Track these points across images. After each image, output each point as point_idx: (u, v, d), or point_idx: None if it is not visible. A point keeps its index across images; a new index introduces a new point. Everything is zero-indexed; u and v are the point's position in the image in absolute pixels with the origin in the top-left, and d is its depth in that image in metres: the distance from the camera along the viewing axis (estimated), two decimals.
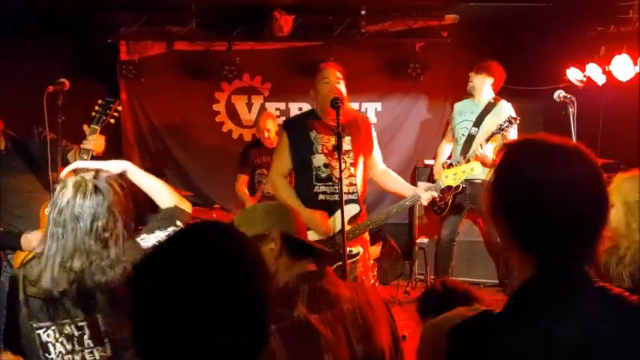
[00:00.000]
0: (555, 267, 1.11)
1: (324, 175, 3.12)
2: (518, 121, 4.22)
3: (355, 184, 3.13)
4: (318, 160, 3.12)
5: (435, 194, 3.17)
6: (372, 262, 4.81)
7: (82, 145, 3.05)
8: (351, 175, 3.14)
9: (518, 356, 1.08)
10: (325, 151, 3.13)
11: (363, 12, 5.24)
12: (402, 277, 5.29)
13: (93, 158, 3.03)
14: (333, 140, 3.07)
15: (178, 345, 0.87)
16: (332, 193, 3.12)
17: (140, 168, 4.34)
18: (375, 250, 5.24)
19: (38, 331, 1.66)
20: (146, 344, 0.90)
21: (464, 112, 4.69)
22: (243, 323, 0.90)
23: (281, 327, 1.44)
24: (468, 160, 4.17)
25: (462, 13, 5.39)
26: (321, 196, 3.09)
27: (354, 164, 3.15)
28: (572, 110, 3.57)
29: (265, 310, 0.94)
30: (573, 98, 3.62)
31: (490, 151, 4.38)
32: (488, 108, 4.57)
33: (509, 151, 1.20)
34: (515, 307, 1.13)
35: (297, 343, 1.46)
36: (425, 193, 3.13)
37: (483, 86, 4.63)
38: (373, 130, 3.38)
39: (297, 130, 3.19)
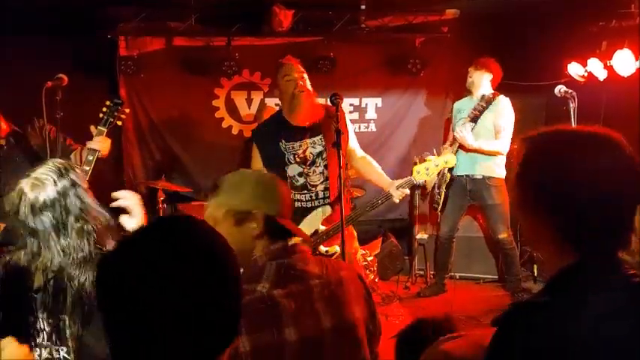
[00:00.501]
0: (596, 255, 1.11)
1: (298, 183, 3.07)
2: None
3: (328, 188, 3.08)
4: (292, 169, 3.07)
5: (406, 191, 3.07)
6: (372, 257, 4.83)
7: (88, 145, 3.06)
8: (326, 179, 3.09)
9: (567, 345, 1.06)
10: (297, 159, 3.06)
11: (363, 7, 5.21)
12: (402, 273, 5.29)
13: (98, 159, 3.06)
14: (304, 145, 3.03)
15: (147, 335, 0.87)
16: (307, 201, 3.09)
17: (139, 163, 4.35)
18: (375, 245, 5.24)
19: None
20: (115, 334, 0.90)
21: (463, 110, 4.69)
22: (214, 312, 0.90)
23: (243, 302, 1.45)
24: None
25: (463, 7, 5.37)
26: (297, 204, 3.05)
27: (328, 165, 3.07)
28: (573, 105, 3.57)
29: (236, 300, 0.95)
30: (574, 93, 3.61)
31: (469, 131, 4.38)
32: (488, 101, 4.57)
33: (539, 141, 1.18)
34: (556, 296, 1.11)
35: (257, 317, 1.45)
36: (396, 191, 3.03)
37: (482, 82, 4.63)
38: (348, 119, 3.22)
39: (266, 142, 3.10)
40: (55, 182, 1.70)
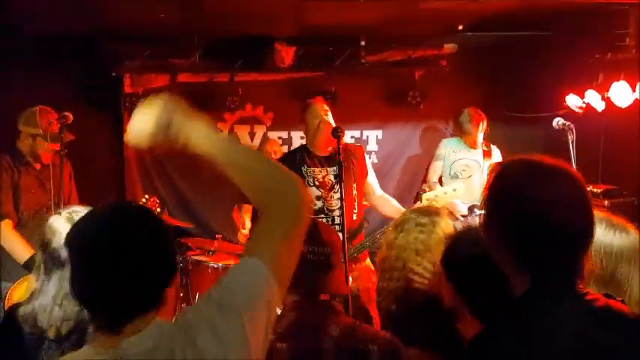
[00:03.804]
0: (549, 282, 1.15)
1: (316, 207, 3.26)
2: None
3: (341, 216, 3.18)
4: (311, 193, 3.27)
5: None
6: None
7: None
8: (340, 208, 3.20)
9: None
10: (317, 183, 3.30)
11: (363, 42, 5.31)
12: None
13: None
14: (324, 172, 3.30)
15: (100, 284, 1.15)
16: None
17: (142, 196, 4.35)
18: None
19: None
20: (78, 285, 1.18)
21: (458, 151, 4.75)
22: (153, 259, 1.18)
23: (290, 347, 1.46)
24: None
25: (461, 42, 5.47)
26: None
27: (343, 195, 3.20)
28: (571, 138, 3.61)
29: (167, 251, 1.21)
30: (572, 125, 3.65)
31: None
32: (488, 154, 4.67)
33: (505, 170, 1.24)
34: (511, 321, 1.16)
35: None
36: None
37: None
38: (367, 157, 3.50)
39: (290, 166, 3.24)
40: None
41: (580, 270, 1.18)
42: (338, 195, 3.20)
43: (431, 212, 1.99)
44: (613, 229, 1.72)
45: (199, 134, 1.34)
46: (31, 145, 3.46)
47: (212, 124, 1.36)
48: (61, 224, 1.77)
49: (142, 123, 1.31)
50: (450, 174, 4.79)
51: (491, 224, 1.22)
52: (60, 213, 1.84)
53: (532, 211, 1.16)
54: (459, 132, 4.84)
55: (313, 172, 3.34)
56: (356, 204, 3.30)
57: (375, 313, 3.26)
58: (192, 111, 1.33)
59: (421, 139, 5.93)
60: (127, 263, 1.14)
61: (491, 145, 4.74)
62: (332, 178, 3.32)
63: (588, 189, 1.23)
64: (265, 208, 1.27)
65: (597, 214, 1.77)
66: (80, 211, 1.82)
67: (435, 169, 4.92)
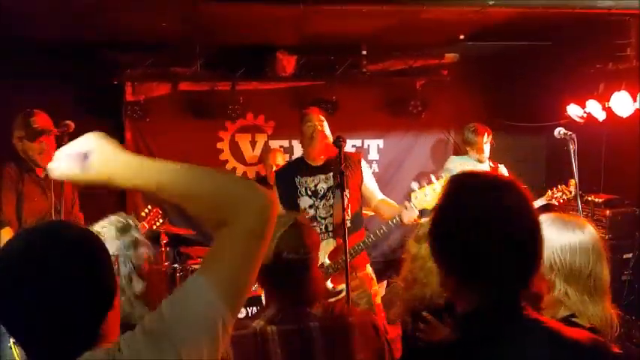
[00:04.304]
0: (494, 299, 1.12)
1: (309, 215, 3.30)
2: (572, 194, 4.30)
3: (332, 223, 3.29)
4: (304, 202, 3.35)
5: (414, 214, 3.16)
6: (379, 300, 4.77)
7: None
8: (331, 215, 3.31)
9: None
10: (309, 192, 3.36)
11: (364, 52, 5.33)
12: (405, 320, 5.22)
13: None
14: (316, 180, 3.37)
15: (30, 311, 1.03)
16: (318, 233, 3.25)
17: (143, 207, 4.32)
18: (381, 288, 5.19)
19: None
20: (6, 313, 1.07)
21: (465, 165, 4.76)
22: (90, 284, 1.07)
23: (235, 334, 1.50)
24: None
25: (462, 51, 5.48)
26: None
27: (334, 203, 3.30)
28: (572, 147, 3.60)
29: (105, 276, 1.11)
30: (573, 135, 3.65)
31: None
32: (494, 169, 4.67)
33: (451, 184, 1.23)
34: (456, 341, 1.14)
35: (246, 351, 1.52)
36: (406, 212, 3.16)
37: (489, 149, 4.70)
38: (365, 164, 3.53)
39: (284, 177, 3.47)
40: (116, 237, 1.72)
41: (528, 288, 1.14)
42: (330, 202, 3.31)
43: None
44: (566, 228, 1.80)
45: (125, 168, 1.13)
46: (22, 149, 3.49)
47: (142, 157, 1.15)
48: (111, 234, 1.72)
49: (64, 162, 1.18)
50: None
51: (433, 241, 1.20)
52: (110, 219, 1.78)
53: (470, 227, 1.12)
54: (465, 144, 4.83)
55: (306, 181, 3.40)
56: (349, 209, 3.31)
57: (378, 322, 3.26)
58: (118, 147, 1.15)
59: (422, 148, 5.93)
60: (50, 295, 1.01)
61: (500, 165, 4.73)
62: (324, 185, 3.37)
63: (532, 202, 1.19)
64: (223, 222, 1.09)
65: (549, 215, 1.84)
66: (107, 229, 1.77)
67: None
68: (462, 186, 1.21)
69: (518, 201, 1.15)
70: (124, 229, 1.74)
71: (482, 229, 1.11)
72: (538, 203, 4.39)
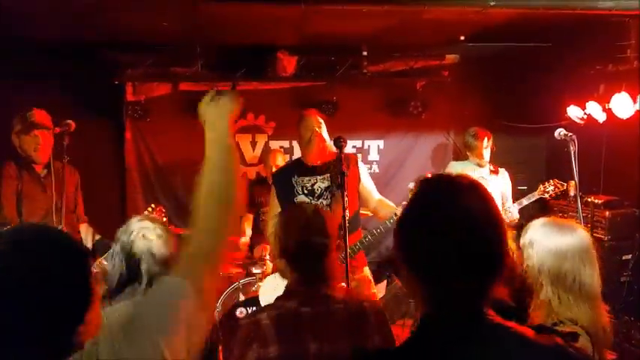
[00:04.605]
0: (451, 303, 1.10)
1: None
2: (564, 187, 4.29)
3: (344, 223, 3.26)
4: (300, 200, 3.37)
5: None
6: (378, 300, 4.78)
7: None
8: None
9: None
10: (305, 191, 3.39)
11: (365, 52, 5.33)
12: (408, 316, 5.22)
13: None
14: (313, 180, 3.40)
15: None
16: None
17: (143, 207, 4.34)
18: (380, 288, 5.19)
19: None
20: None
21: (466, 170, 4.75)
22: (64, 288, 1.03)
23: (271, 314, 1.75)
24: None
25: (463, 52, 5.49)
26: None
27: (332, 203, 3.32)
28: (573, 149, 3.60)
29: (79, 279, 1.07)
30: (574, 136, 3.65)
31: (516, 210, 4.40)
32: (494, 171, 4.67)
33: (419, 184, 1.23)
34: (413, 343, 1.13)
35: (285, 328, 1.71)
36: (399, 209, 3.20)
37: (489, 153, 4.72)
38: (362, 165, 3.54)
39: (281, 178, 3.50)
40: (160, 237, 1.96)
41: (486, 295, 1.11)
42: (327, 202, 3.34)
43: None
44: (555, 231, 1.83)
45: (213, 133, 1.49)
46: (19, 144, 3.50)
47: (231, 134, 1.51)
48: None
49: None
50: None
51: (396, 240, 1.19)
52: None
53: (429, 230, 1.11)
54: (466, 149, 4.83)
55: (302, 180, 3.42)
56: (347, 210, 3.32)
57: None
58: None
59: (422, 149, 5.93)
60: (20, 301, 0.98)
61: (500, 169, 4.73)
62: (321, 185, 3.39)
63: (499, 208, 1.18)
64: (199, 218, 1.32)
65: (542, 219, 1.88)
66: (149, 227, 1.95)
67: None
68: (427, 186, 1.21)
69: (480, 204, 1.13)
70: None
71: (439, 232, 1.10)
72: (530, 198, 4.40)
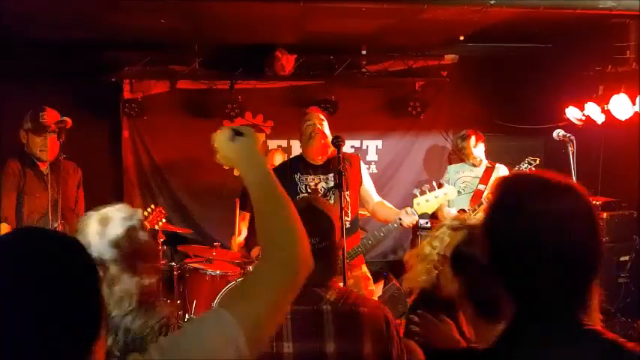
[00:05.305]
0: (539, 311, 1.07)
1: None
2: (537, 162, 4.25)
3: (341, 222, 3.25)
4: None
5: (416, 217, 3.15)
6: (375, 299, 4.78)
7: None
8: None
9: None
10: (309, 190, 3.35)
11: (364, 52, 5.32)
12: (404, 316, 5.21)
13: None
14: (316, 179, 3.35)
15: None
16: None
17: (140, 205, 4.33)
18: (377, 288, 5.18)
19: None
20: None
21: (461, 171, 4.80)
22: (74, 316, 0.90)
23: (292, 309, 1.59)
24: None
25: (462, 53, 5.48)
26: None
27: (335, 202, 3.26)
28: (571, 149, 3.59)
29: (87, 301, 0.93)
30: (572, 137, 3.64)
31: None
32: (490, 170, 4.66)
33: (504, 186, 1.17)
34: (499, 347, 1.09)
35: (304, 327, 1.60)
36: (407, 216, 3.15)
37: (483, 152, 4.71)
38: (364, 166, 3.51)
39: (283, 175, 3.39)
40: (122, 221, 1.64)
41: (583, 301, 1.07)
42: (331, 202, 3.27)
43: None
44: None
45: (249, 167, 1.34)
46: (27, 142, 3.51)
47: (264, 163, 1.38)
48: (91, 225, 1.67)
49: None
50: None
51: (485, 239, 1.15)
52: (98, 210, 1.74)
53: (525, 230, 1.07)
54: (458, 152, 4.85)
55: (305, 179, 3.39)
56: (349, 211, 3.32)
57: (390, 316, 3.27)
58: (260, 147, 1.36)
59: (421, 149, 5.92)
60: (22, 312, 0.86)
61: (497, 164, 4.73)
62: (324, 185, 3.36)
63: (594, 207, 1.13)
64: (264, 257, 1.16)
65: None
66: (118, 212, 1.71)
67: None
68: (516, 189, 1.15)
69: (583, 208, 1.08)
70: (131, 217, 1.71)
71: (539, 237, 1.06)
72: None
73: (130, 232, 1.61)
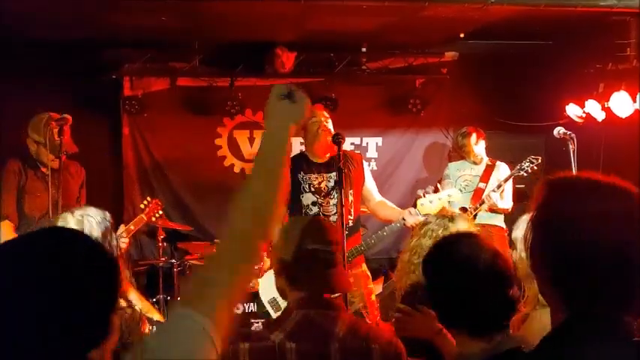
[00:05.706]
0: (587, 314, 1.04)
1: (312, 212, 3.30)
2: (539, 161, 4.24)
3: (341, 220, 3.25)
4: (307, 198, 3.33)
5: (420, 218, 3.16)
6: (374, 297, 4.78)
7: None
8: (337, 213, 3.28)
9: None
10: (312, 189, 3.34)
11: (364, 49, 5.32)
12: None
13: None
14: (320, 178, 3.35)
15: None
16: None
17: (140, 199, 4.31)
18: (377, 286, 5.18)
19: None
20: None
21: (462, 169, 4.79)
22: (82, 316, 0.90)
23: (252, 346, 1.49)
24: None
25: (462, 50, 5.48)
26: None
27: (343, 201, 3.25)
28: (572, 147, 3.59)
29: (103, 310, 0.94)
30: (573, 135, 3.64)
31: (497, 198, 4.39)
32: (490, 168, 4.64)
33: (556, 186, 1.14)
34: (545, 347, 1.06)
35: None
36: (410, 216, 3.17)
37: (483, 150, 4.70)
38: (366, 164, 3.53)
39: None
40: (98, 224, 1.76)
41: (634, 305, 1.04)
42: (334, 201, 3.30)
43: (446, 217, 2.15)
44: None
45: (269, 136, 1.25)
46: (36, 151, 3.50)
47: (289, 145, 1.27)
48: (69, 225, 1.74)
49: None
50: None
51: (531, 241, 1.12)
52: (72, 212, 1.80)
53: (574, 232, 1.05)
54: (459, 150, 4.85)
55: (309, 178, 3.38)
56: (352, 209, 3.32)
57: (370, 318, 3.26)
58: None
59: (421, 146, 5.92)
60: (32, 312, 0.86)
61: (498, 162, 4.73)
62: (328, 184, 3.35)
63: None
64: (230, 232, 1.13)
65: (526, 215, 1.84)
66: (93, 215, 1.78)
67: (444, 187, 4.93)
68: (561, 191, 1.12)
69: (633, 210, 1.04)
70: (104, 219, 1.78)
71: (586, 239, 1.04)
72: (507, 179, 4.37)
73: (106, 234, 1.71)
